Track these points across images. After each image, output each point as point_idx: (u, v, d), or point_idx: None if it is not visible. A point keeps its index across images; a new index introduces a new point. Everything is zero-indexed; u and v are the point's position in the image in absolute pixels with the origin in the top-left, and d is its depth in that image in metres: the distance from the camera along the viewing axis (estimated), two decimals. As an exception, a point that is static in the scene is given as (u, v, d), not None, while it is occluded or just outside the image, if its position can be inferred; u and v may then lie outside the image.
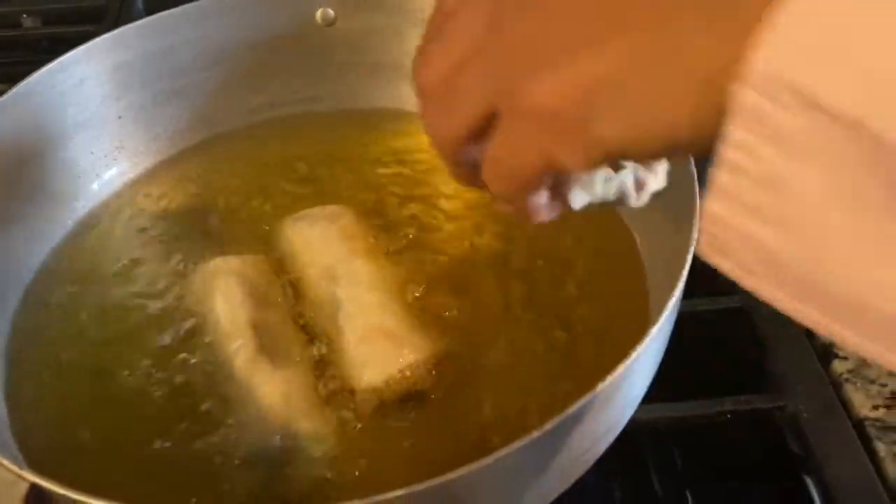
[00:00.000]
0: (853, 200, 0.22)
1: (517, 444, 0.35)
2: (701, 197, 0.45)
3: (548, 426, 0.36)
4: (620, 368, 0.37)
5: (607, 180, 0.35)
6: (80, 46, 0.56)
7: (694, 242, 0.43)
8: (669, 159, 0.35)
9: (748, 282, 0.25)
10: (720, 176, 0.24)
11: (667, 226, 0.48)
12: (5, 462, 0.34)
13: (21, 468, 0.34)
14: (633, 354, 0.38)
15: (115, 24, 0.83)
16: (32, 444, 0.45)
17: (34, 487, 0.34)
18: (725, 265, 0.25)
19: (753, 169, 0.23)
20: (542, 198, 0.33)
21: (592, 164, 0.29)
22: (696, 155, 0.36)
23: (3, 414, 0.46)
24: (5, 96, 0.53)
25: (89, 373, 0.49)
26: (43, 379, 0.49)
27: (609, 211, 0.55)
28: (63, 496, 0.33)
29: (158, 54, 0.61)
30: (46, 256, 0.55)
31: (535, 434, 0.35)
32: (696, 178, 0.45)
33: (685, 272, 0.41)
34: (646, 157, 0.33)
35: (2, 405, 0.47)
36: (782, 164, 0.23)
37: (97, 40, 0.57)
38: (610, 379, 0.37)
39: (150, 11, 0.85)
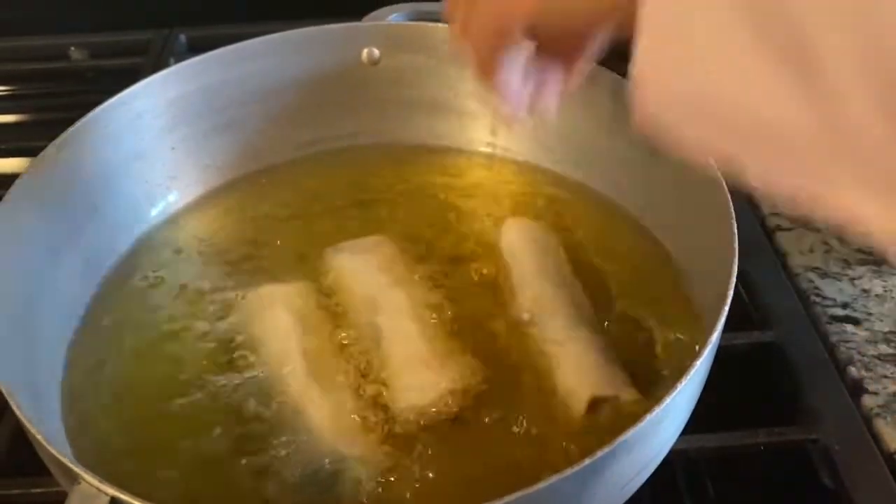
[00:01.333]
0: (729, 42, 0.28)
1: (560, 476, 0.36)
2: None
3: (588, 461, 0.37)
4: (661, 405, 0.39)
5: None
6: (140, 82, 0.59)
7: (733, 283, 0.44)
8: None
9: (678, 133, 0.31)
10: (641, 41, 0.31)
11: (710, 262, 0.50)
12: (87, 477, 0.36)
13: (101, 482, 0.36)
14: (674, 391, 0.40)
15: (159, 58, 0.87)
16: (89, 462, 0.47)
17: (114, 502, 0.36)
18: (657, 126, 0.32)
19: (665, 28, 0.30)
20: (513, 75, 0.42)
21: (533, 19, 0.39)
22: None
23: (64, 434, 0.48)
24: (70, 129, 0.56)
25: (144, 397, 0.51)
26: (101, 402, 0.51)
27: (652, 241, 0.58)
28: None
29: (211, 90, 0.63)
30: (102, 281, 0.58)
31: (577, 468, 0.37)
32: (733, 216, 0.47)
33: (726, 308, 0.43)
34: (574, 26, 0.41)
35: (62, 426, 0.49)
36: (684, 22, 0.29)
37: (155, 76, 0.60)
38: (650, 416, 0.38)
39: (191, 46, 0.89)
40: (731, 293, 0.44)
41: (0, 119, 0.89)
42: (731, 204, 0.48)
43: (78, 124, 0.56)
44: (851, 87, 0.27)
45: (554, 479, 0.36)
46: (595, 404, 0.48)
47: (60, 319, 0.54)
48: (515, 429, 0.48)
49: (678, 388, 0.39)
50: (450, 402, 0.49)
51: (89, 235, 0.58)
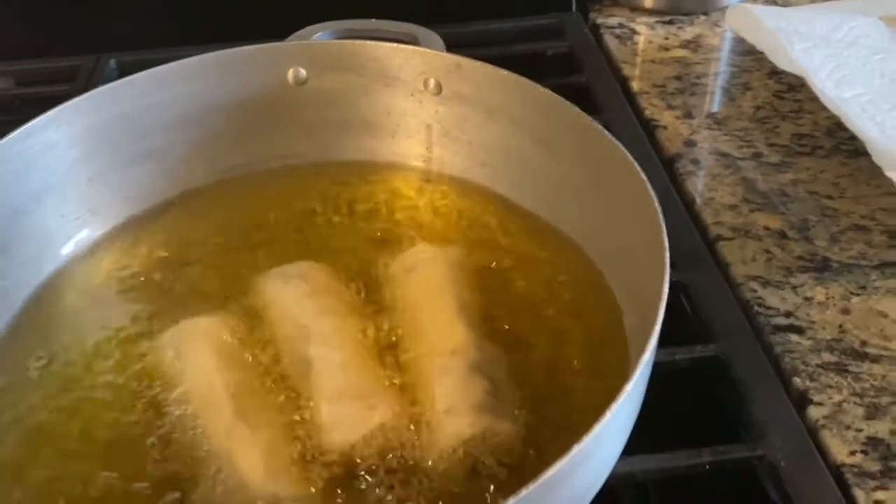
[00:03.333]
0: None
1: None
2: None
3: (524, 491, 0.35)
4: (595, 429, 0.37)
5: None
6: (49, 111, 0.56)
7: (665, 295, 0.43)
8: None
9: None
10: None
11: (640, 276, 0.49)
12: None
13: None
14: (608, 413, 0.38)
15: (88, 85, 0.84)
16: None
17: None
18: None
19: None
20: None
21: None
22: None
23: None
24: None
25: (56, 444, 0.48)
26: (8, 448, 0.48)
27: (586, 263, 0.56)
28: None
29: (129, 116, 0.61)
30: (11, 321, 0.55)
31: (513, 499, 0.35)
32: (664, 230, 0.46)
33: (658, 326, 0.42)
34: None
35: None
36: None
37: (67, 104, 0.57)
38: (585, 441, 0.37)
39: (122, 72, 0.86)
40: (662, 309, 0.42)
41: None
42: (660, 215, 0.47)
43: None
44: None
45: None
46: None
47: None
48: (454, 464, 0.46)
49: (610, 413, 0.38)
50: (380, 436, 0.47)
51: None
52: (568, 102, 0.56)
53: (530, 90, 0.57)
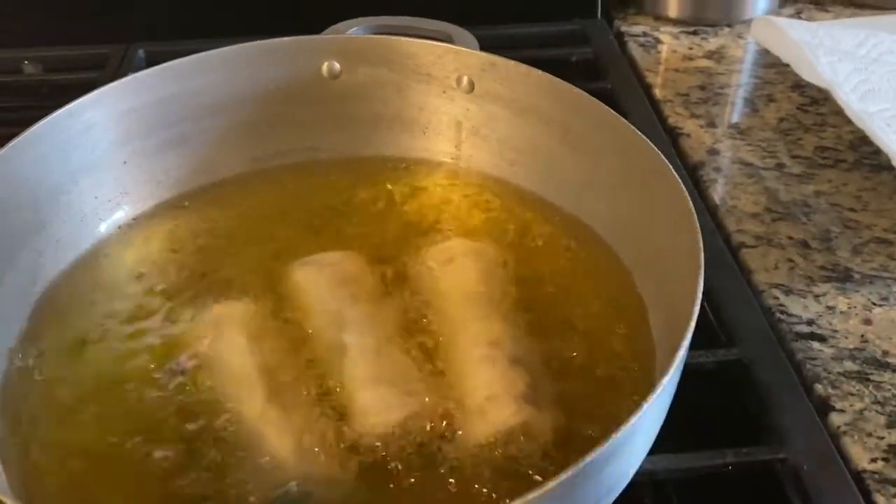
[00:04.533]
0: None
1: (521, 500, 0.35)
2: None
3: (551, 483, 0.35)
4: (631, 420, 0.38)
5: None
6: (90, 93, 0.57)
7: (700, 295, 0.44)
8: None
9: None
10: None
11: (669, 276, 0.49)
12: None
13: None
14: (644, 406, 0.38)
15: (117, 72, 0.85)
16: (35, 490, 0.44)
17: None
18: None
19: None
20: None
21: None
22: None
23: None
24: (13, 141, 0.53)
25: (91, 419, 0.49)
26: (36, 432, 0.48)
27: (615, 262, 0.57)
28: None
29: (165, 102, 0.61)
30: (44, 300, 0.55)
31: (538, 492, 0.35)
32: (699, 233, 0.47)
33: (693, 322, 0.42)
34: None
35: None
36: None
37: (107, 87, 0.58)
38: (613, 438, 0.37)
39: (150, 62, 0.87)
40: (697, 309, 0.43)
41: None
42: (695, 217, 0.47)
43: (24, 135, 0.54)
44: None
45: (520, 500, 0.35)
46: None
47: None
48: (480, 455, 0.46)
49: (647, 405, 0.38)
50: (413, 423, 0.47)
51: (33, 253, 0.55)
52: (604, 105, 0.56)
53: (565, 91, 0.57)
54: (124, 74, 0.82)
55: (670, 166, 0.51)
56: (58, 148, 0.56)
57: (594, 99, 0.57)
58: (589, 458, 0.36)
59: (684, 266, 0.47)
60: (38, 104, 0.86)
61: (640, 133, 0.53)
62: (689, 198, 0.48)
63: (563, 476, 0.36)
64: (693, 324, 0.42)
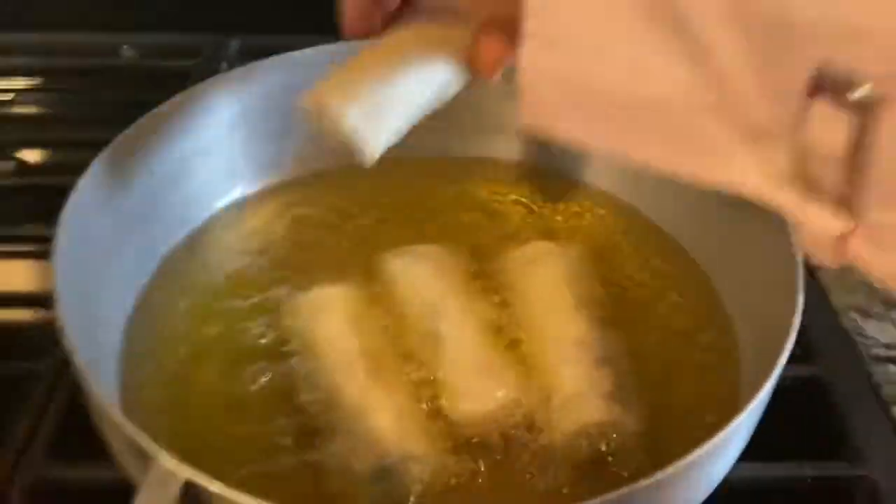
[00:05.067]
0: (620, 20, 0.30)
1: (616, 494, 0.37)
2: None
3: (642, 483, 0.37)
4: (730, 426, 0.40)
5: None
6: (217, 76, 0.61)
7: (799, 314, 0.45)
8: None
9: (558, 124, 0.34)
10: (526, 25, 0.32)
11: (763, 297, 0.51)
12: (164, 458, 0.37)
13: (179, 464, 0.36)
14: (743, 414, 0.40)
15: (210, 62, 0.88)
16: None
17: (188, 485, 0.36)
18: (540, 116, 0.34)
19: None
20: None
21: None
22: None
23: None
24: (141, 119, 0.57)
25: (198, 384, 0.52)
26: (155, 390, 0.51)
27: (702, 277, 0.59)
28: (217, 495, 0.36)
29: (275, 92, 0.63)
30: (159, 270, 0.58)
31: (627, 490, 0.37)
32: (799, 255, 0.48)
33: (791, 341, 0.44)
34: None
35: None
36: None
37: (232, 72, 0.62)
38: (719, 435, 0.39)
39: (244, 53, 0.90)
40: (797, 322, 0.44)
41: (45, 112, 0.90)
42: (795, 244, 0.49)
43: (149, 115, 0.57)
44: (718, 36, 0.28)
45: (615, 493, 0.37)
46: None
47: (118, 303, 0.54)
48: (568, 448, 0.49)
49: (749, 407, 0.40)
50: (504, 412, 0.50)
51: (147, 228, 0.58)
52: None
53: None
54: (218, 64, 0.86)
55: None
56: (182, 128, 0.59)
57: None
58: (689, 458, 0.38)
59: (779, 281, 0.49)
60: (131, 89, 0.89)
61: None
62: (793, 234, 0.49)
63: (660, 474, 0.38)
64: (793, 337, 0.44)
